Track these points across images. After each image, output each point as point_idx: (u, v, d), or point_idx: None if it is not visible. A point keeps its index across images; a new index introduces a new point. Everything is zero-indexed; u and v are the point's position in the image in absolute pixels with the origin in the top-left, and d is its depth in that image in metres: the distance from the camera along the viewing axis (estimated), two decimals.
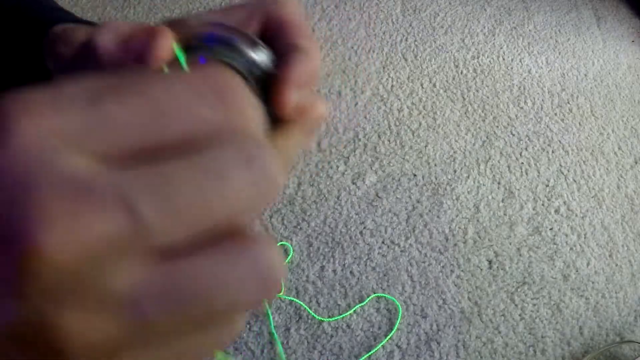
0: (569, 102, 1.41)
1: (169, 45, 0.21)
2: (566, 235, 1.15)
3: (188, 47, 0.22)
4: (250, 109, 0.15)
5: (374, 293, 1.03)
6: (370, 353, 0.96)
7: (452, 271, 1.07)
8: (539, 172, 1.25)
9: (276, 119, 0.25)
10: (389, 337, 0.98)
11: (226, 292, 0.14)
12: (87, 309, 0.12)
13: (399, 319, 1.00)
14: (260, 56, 0.24)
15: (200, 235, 0.14)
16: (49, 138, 0.12)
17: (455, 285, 1.05)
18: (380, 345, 0.97)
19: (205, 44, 0.22)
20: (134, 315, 0.13)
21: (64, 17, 0.35)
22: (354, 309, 1.01)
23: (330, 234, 1.11)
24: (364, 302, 1.02)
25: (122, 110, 0.13)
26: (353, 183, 1.19)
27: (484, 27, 1.58)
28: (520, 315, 1.03)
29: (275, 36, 0.25)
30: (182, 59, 0.21)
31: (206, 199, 0.13)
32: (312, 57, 0.24)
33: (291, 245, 1.07)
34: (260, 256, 0.14)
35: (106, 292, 0.13)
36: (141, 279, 0.13)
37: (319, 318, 0.99)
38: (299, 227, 1.11)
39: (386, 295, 1.02)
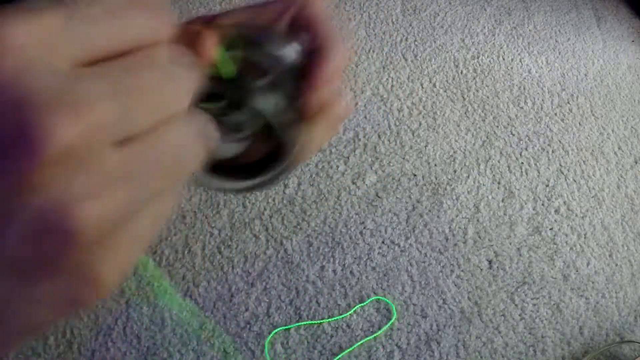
0: (569, 102, 1.41)
1: (212, 48, 0.25)
2: (566, 235, 1.15)
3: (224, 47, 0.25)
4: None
5: (375, 295, 1.03)
6: (351, 347, 0.96)
7: (452, 271, 1.07)
8: (539, 172, 1.25)
9: (303, 113, 0.27)
10: (374, 335, 0.98)
11: (176, 157, 0.18)
12: (90, 186, 0.15)
13: (392, 320, 1.00)
14: (288, 51, 0.26)
15: (155, 120, 0.17)
16: (35, 44, 0.15)
17: (455, 285, 1.05)
18: (369, 338, 0.97)
19: (236, 43, 0.25)
20: (124, 187, 0.16)
21: None
22: (354, 309, 1.01)
23: (330, 234, 1.11)
24: (365, 303, 1.01)
25: (93, 25, 0.16)
26: (353, 183, 1.19)
27: (484, 27, 1.58)
28: (520, 315, 1.03)
29: (304, 33, 0.27)
30: (226, 59, 0.25)
31: (155, 92, 0.17)
32: (336, 56, 0.27)
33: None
34: (191, 128, 0.19)
35: (100, 170, 0.15)
36: (122, 158, 0.16)
37: (318, 322, 0.99)
38: (299, 227, 1.11)
39: (382, 298, 1.02)
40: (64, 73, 0.15)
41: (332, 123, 0.27)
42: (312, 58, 0.26)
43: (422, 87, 1.40)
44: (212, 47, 0.24)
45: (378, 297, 1.02)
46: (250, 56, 0.25)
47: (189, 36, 0.25)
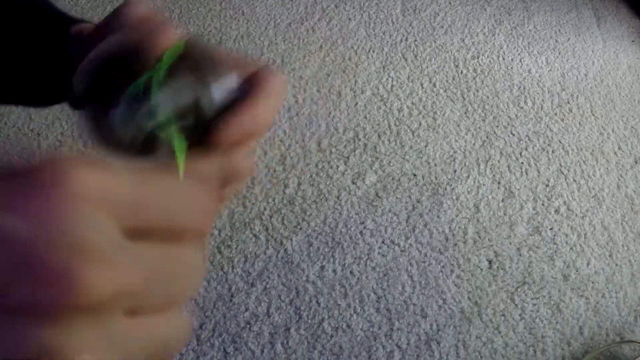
0: (569, 102, 1.41)
1: (169, 43, 0.25)
2: (566, 235, 1.15)
3: (181, 54, 0.26)
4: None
5: (374, 293, 1.03)
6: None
7: (452, 271, 1.07)
8: (539, 172, 1.25)
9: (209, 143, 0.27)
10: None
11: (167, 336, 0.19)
12: (90, 343, 0.16)
13: None
14: (217, 89, 0.26)
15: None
16: (92, 200, 0.16)
17: (455, 285, 1.05)
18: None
19: (188, 58, 0.26)
20: (117, 350, 0.17)
21: (75, 18, 0.36)
22: (353, 308, 1.01)
23: (330, 234, 1.11)
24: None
25: (150, 200, 0.18)
26: (353, 183, 1.19)
27: (484, 27, 1.58)
28: (520, 315, 1.03)
29: (247, 87, 0.27)
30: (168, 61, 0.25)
31: (174, 276, 0.19)
32: (252, 124, 0.26)
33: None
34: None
35: (106, 332, 0.16)
36: (127, 328, 0.17)
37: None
38: (299, 227, 1.11)
39: None
40: (112, 235, 0.16)
41: (232, 175, 0.27)
42: (233, 110, 0.27)
43: (422, 87, 1.40)
44: (167, 42, 0.25)
45: None
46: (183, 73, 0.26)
47: (155, 24, 0.26)
